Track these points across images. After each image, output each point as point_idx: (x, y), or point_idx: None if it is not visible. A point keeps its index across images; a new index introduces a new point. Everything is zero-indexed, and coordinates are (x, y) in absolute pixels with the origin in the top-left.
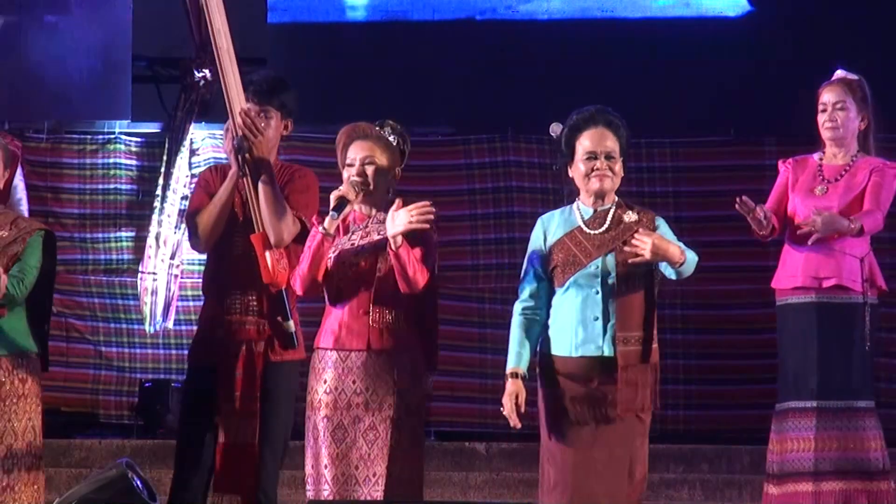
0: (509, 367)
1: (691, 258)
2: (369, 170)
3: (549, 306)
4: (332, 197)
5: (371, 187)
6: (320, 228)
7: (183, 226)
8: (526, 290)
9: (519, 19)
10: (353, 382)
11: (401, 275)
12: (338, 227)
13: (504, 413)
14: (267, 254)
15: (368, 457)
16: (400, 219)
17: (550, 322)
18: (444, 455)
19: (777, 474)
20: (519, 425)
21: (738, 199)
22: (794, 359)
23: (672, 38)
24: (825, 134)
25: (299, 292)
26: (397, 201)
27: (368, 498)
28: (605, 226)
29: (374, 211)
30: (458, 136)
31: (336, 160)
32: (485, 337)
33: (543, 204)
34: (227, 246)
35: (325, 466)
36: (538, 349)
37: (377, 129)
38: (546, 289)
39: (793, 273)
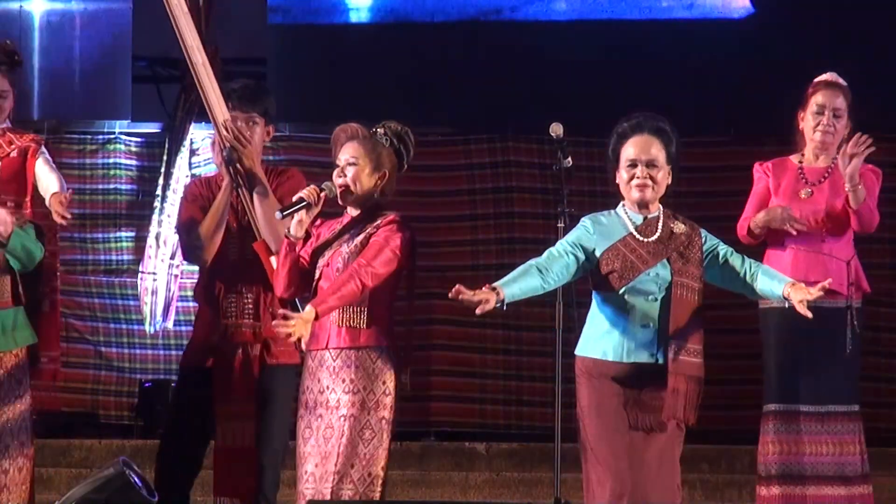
0: (496, 283)
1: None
2: (350, 171)
3: (559, 282)
4: (294, 198)
5: (354, 190)
6: (286, 232)
7: None
8: (550, 253)
9: (521, 19)
10: (318, 382)
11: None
12: (333, 228)
13: (460, 290)
14: (272, 259)
15: (324, 454)
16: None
17: (599, 327)
18: (444, 455)
19: (777, 476)
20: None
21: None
22: (782, 363)
23: (674, 39)
24: (818, 137)
25: (278, 294)
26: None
27: (319, 495)
28: (657, 234)
29: (358, 213)
30: (458, 136)
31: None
32: (485, 337)
33: (543, 204)
34: (221, 252)
35: (299, 466)
36: (581, 354)
37: (369, 130)
38: (570, 266)
39: None
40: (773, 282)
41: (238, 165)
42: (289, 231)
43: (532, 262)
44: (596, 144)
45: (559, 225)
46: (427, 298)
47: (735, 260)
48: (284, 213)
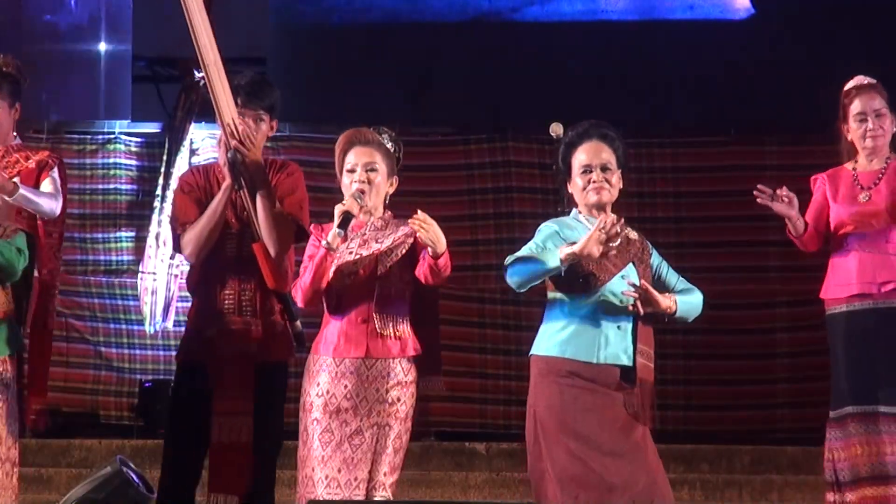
0: (562, 252)
1: (690, 304)
2: (372, 176)
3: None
4: (337, 212)
5: (373, 195)
6: (323, 243)
7: None
8: (531, 249)
9: (522, 20)
10: (345, 387)
11: (434, 275)
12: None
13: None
14: (272, 262)
15: (352, 461)
16: (437, 232)
17: (571, 329)
18: (444, 455)
19: (850, 481)
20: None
21: (757, 193)
22: (854, 364)
23: (675, 39)
24: (868, 143)
25: (301, 304)
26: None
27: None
28: (618, 240)
29: (371, 218)
30: (458, 136)
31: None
32: (485, 337)
33: (543, 204)
34: (218, 247)
35: (312, 469)
36: (543, 354)
37: (377, 135)
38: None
39: (847, 281)
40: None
41: (241, 167)
42: (328, 242)
43: (523, 254)
44: None
45: None
46: None
47: (670, 277)
48: (344, 231)
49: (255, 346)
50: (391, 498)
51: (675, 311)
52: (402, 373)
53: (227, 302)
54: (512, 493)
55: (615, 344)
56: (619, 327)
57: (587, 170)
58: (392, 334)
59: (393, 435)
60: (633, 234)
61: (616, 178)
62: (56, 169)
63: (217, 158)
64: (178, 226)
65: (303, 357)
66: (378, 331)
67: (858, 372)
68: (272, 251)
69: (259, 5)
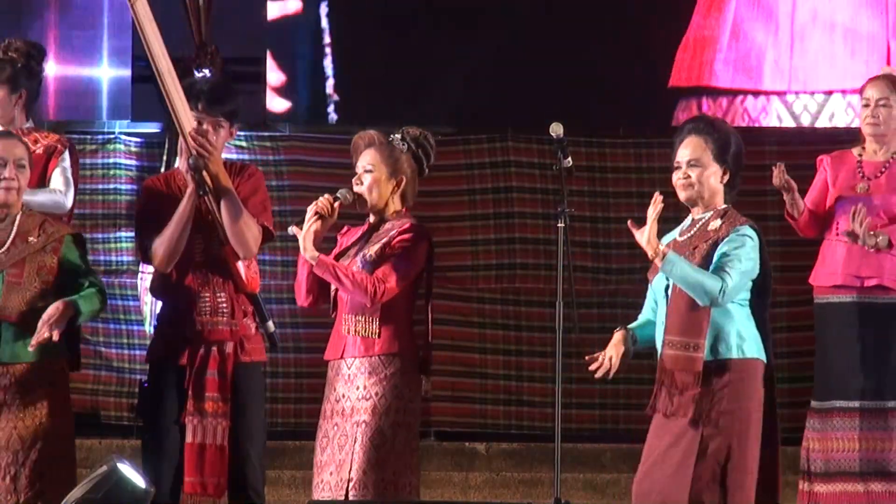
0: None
1: (689, 272)
2: (367, 178)
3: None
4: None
5: (367, 195)
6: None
7: None
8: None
9: (522, 19)
10: (334, 391)
11: (341, 290)
12: (356, 235)
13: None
14: (239, 264)
15: (340, 462)
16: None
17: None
18: (444, 455)
19: (822, 473)
20: (600, 374)
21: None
22: (836, 358)
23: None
24: (865, 129)
25: (299, 303)
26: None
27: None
28: (691, 233)
29: (375, 219)
30: (458, 136)
31: (336, 160)
32: (485, 337)
33: (543, 204)
34: (187, 251)
35: (315, 474)
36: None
37: (385, 136)
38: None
39: (832, 271)
40: None
41: (204, 172)
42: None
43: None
44: (596, 144)
45: (559, 225)
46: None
47: (718, 261)
48: (293, 232)
49: (231, 346)
50: (368, 497)
51: (665, 259)
52: (380, 367)
53: (202, 304)
54: (512, 493)
55: (659, 336)
56: (661, 322)
57: (677, 168)
58: (361, 332)
59: (371, 431)
60: (715, 224)
61: (706, 174)
62: (66, 155)
63: (180, 165)
64: (145, 236)
65: (277, 359)
66: (350, 332)
67: (842, 366)
68: (241, 254)
69: (258, 5)
